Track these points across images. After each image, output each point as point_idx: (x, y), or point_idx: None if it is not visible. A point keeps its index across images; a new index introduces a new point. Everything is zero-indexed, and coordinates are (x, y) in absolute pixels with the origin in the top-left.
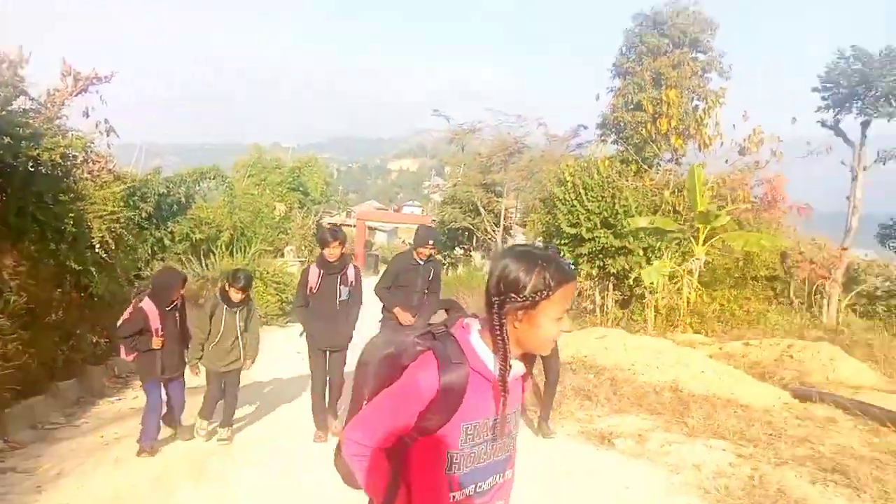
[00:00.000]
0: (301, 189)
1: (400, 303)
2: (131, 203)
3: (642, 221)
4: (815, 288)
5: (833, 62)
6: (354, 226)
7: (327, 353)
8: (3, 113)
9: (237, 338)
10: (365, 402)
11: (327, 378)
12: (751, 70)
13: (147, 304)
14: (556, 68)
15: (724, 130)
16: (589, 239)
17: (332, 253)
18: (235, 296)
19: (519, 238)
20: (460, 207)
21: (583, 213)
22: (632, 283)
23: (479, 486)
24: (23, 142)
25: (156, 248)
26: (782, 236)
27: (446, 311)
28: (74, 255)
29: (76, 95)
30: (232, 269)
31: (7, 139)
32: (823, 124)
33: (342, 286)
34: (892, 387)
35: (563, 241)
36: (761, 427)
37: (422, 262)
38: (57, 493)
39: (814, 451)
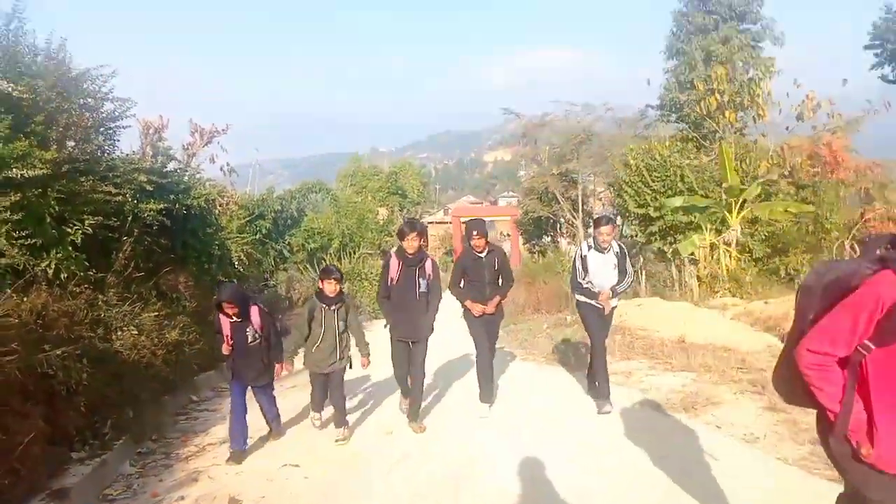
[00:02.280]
0: (399, 192)
1: (471, 297)
2: (254, 225)
3: (677, 201)
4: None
5: (881, 18)
6: (451, 222)
7: (409, 343)
8: (167, 180)
9: (336, 337)
10: (809, 323)
11: (407, 368)
12: (805, 33)
13: (220, 314)
14: (629, 51)
15: (779, 99)
16: (657, 217)
17: (410, 244)
18: (329, 287)
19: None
20: (538, 198)
21: (649, 194)
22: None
23: None
24: (180, 195)
25: (277, 260)
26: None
27: (888, 246)
28: (221, 272)
29: (204, 147)
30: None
31: (171, 196)
32: (884, 79)
33: (420, 279)
34: None
35: (633, 221)
36: (732, 363)
37: (482, 255)
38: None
39: (759, 376)
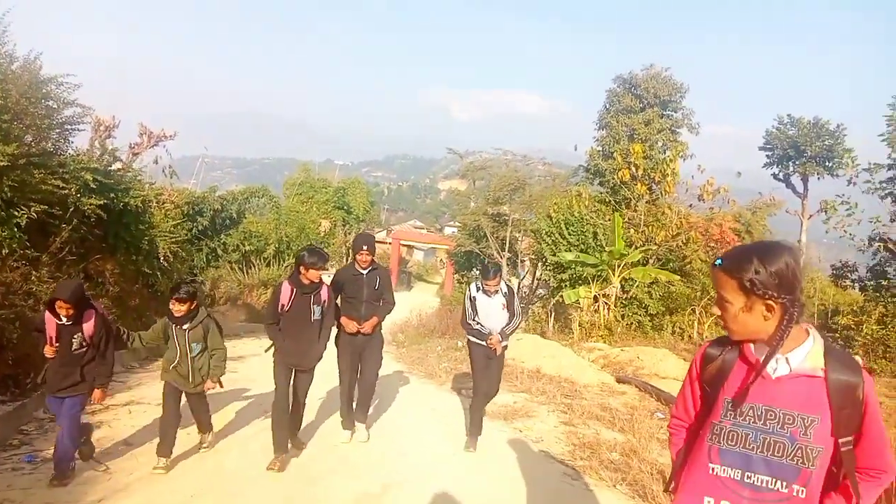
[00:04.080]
0: (345, 208)
1: (346, 314)
2: (190, 216)
3: (570, 256)
4: None
5: (774, 126)
6: (391, 243)
7: (293, 370)
8: (110, 180)
9: (189, 360)
10: None
11: (289, 393)
12: (717, 126)
13: (48, 313)
14: (586, 109)
15: (686, 178)
16: (567, 267)
17: (312, 276)
18: (175, 307)
19: (527, 262)
20: (469, 234)
21: (564, 245)
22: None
23: (750, 477)
24: (119, 193)
25: (210, 258)
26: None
27: None
28: (147, 264)
29: (150, 147)
30: (176, 281)
31: (112, 193)
32: (775, 177)
33: (315, 305)
34: None
35: (547, 268)
36: (564, 391)
37: (364, 272)
38: (141, 390)
39: (572, 401)
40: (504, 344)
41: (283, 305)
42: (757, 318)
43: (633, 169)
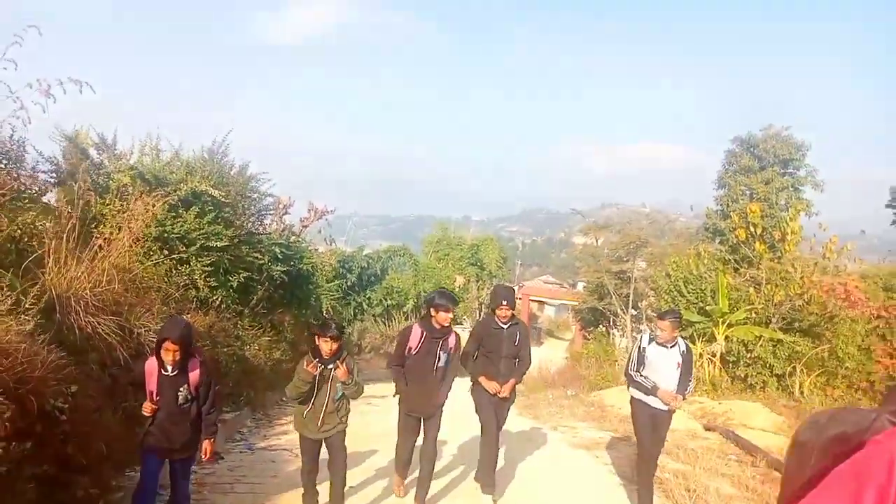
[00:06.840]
0: (478, 264)
1: (484, 372)
2: (340, 274)
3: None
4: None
5: None
6: (521, 299)
7: (420, 420)
8: (290, 251)
9: (330, 401)
10: (797, 493)
11: (415, 443)
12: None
13: (150, 360)
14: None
15: (806, 237)
16: (687, 325)
17: (442, 318)
18: (325, 346)
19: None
20: (593, 291)
21: (682, 303)
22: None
23: None
24: (296, 260)
25: (357, 311)
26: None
27: None
28: (313, 316)
29: (315, 221)
30: (322, 320)
31: (291, 262)
32: None
33: (441, 352)
34: (777, 429)
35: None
36: None
37: (504, 326)
38: None
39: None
40: (676, 406)
41: (410, 348)
42: None
43: (752, 228)
